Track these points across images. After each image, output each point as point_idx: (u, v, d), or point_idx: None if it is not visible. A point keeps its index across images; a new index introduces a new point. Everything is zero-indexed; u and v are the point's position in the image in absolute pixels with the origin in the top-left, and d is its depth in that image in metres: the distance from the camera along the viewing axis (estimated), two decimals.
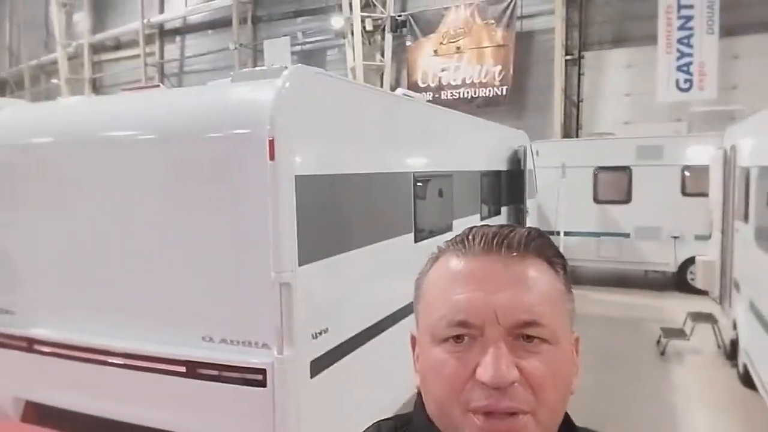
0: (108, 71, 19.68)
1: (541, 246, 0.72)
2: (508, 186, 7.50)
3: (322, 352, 3.20)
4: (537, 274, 0.69)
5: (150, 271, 3.31)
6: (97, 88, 19.61)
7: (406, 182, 4.38)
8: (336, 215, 3.47)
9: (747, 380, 5.24)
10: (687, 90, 12.40)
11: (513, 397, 0.64)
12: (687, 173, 9.23)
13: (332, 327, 3.30)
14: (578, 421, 0.76)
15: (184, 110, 3.34)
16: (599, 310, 8.05)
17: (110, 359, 3.30)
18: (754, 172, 5.15)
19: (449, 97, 14.96)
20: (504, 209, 7.37)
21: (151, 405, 3.23)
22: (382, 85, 15.04)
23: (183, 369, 3.12)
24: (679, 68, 12.47)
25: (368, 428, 0.80)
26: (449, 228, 5.26)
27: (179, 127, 3.22)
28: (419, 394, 0.75)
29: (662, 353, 6.48)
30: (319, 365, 3.16)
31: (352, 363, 3.47)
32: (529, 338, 0.66)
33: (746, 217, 5.46)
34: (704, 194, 7.96)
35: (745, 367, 5.33)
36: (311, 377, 3.09)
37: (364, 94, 4.03)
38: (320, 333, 3.19)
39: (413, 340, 0.77)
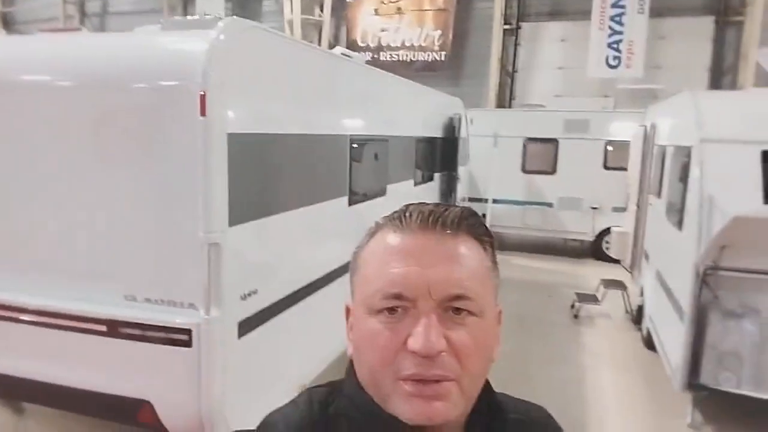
0: (21, 5, 18.03)
1: (473, 225, 0.75)
2: (442, 153, 7.60)
3: (251, 313, 3.19)
4: (468, 251, 0.73)
5: (69, 225, 3.15)
6: (8, 23, 17.98)
7: (341, 145, 4.36)
8: (269, 176, 3.41)
9: (649, 343, 5.70)
10: (616, 67, 12.90)
11: (440, 365, 0.68)
12: (610, 148, 9.68)
13: (262, 288, 3.29)
14: (495, 382, 0.81)
15: (109, 57, 3.14)
16: (521, 275, 8.44)
17: (25, 317, 3.15)
18: (669, 150, 5.48)
19: (388, 59, 14.83)
20: (437, 176, 7.49)
21: (71, 364, 3.13)
22: (320, 42, 14.68)
23: (104, 328, 3.03)
24: (609, 45, 12.91)
25: (300, 395, 0.82)
26: (383, 192, 5.31)
27: (103, 75, 3.03)
28: (351, 362, 0.78)
29: (575, 317, 6.92)
30: (247, 326, 3.15)
31: (281, 324, 3.49)
32: (457, 311, 0.70)
33: (659, 193, 5.85)
34: (624, 168, 8.41)
35: (648, 330, 5.79)
36: (239, 338, 3.09)
37: (301, 52, 3.92)
38: (249, 294, 3.17)
39: (347, 310, 0.80)
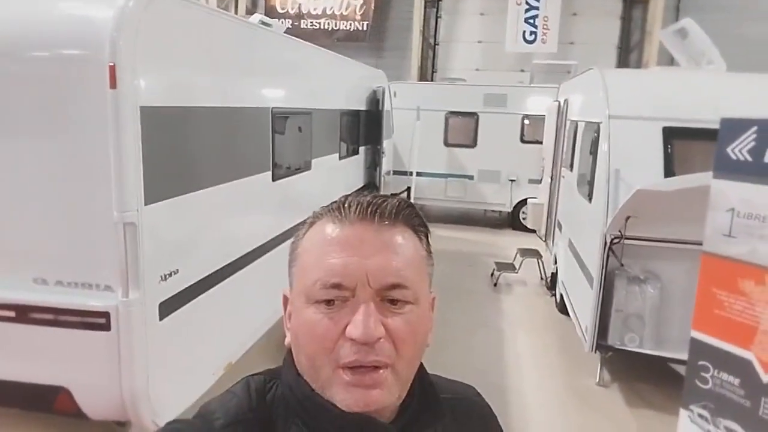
0: None
1: (409, 215, 0.77)
2: (366, 126, 7.59)
3: (172, 294, 3.10)
4: (404, 241, 0.75)
5: None
6: None
7: (263, 118, 4.25)
8: (187, 151, 3.28)
9: (562, 307, 6.07)
10: (532, 42, 13.33)
11: (378, 352, 0.70)
12: (526, 122, 10.04)
13: (183, 268, 3.19)
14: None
15: (3, 21, 2.86)
16: (444, 246, 8.68)
17: None
18: (580, 126, 5.77)
19: (309, 27, 14.52)
20: (362, 149, 7.49)
21: None
22: (237, 8, 14.10)
23: (12, 314, 2.85)
24: (526, 20, 13.29)
25: (238, 383, 0.81)
26: (308, 166, 5.25)
27: None
28: (289, 350, 0.78)
29: (495, 285, 7.23)
30: (168, 307, 3.06)
31: (205, 304, 3.41)
32: (394, 301, 0.72)
33: (571, 166, 6.16)
34: (539, 142, 8.77)
35: (561, 296, 6.16)
36: (160, 319, 3.00)
37: (217, 20, 3.75)
38: (170, 274, 3.07)
39: (285, 299, 0.80)
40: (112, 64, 2.61)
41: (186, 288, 3.23)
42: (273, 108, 4.37)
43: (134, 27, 2.73)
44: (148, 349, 2.89)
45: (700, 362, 3.29)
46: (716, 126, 3.19)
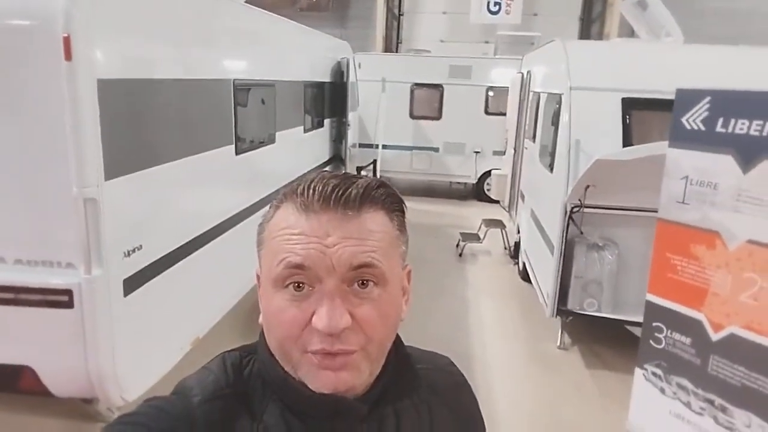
0: None
1: (379, 196, 0.76)
2: (331, 98, 7.52)
3: (136, 270, 3.07)
4: (372, 225, 0.73)
5: None
6: None
7: (225, 90, 4.17)
8: (147, 125, 3.21)
9: (525, 275, 6.24)
10: (496, 13, 13.31)
11: (345, 341, 0.70)
12: (491, 94, 10.10)
13: (147, 243, 3.15)
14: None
15: None
16: (410, 218, 8.58)
17: None
18: (542, 97, 5.85)
19: None
20: (327, 122, 7.42)
21: None
22: None
23: None
24: None
25: (214, 359, 0.82)
26: (272, 140, 5.19)
27: None
28: (263, 328, 0.78)
29: (460, 255, 7.36)
30: (133, 283, 3.03)
31: (171, 279, 3.39)
32: (362, 284, 0.72)
33: (534, 137, 6.26)
34: (503, 114, 8.85)
35: (523, 264, 6.32)
36: (125, 296, 2.97)
37: None
38: (133, 250, 3.04)
39: (258, 278, 0.79)
40: (66, 35, 2.53)
41: (150, 264, 3.20)
42: (235, 80, 4.29)
43: None
44: (113, 326, 2.88)
45: (655, 324, 3.45)
46: (672, 97, 3.29)
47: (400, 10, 14.38)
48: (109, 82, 2.78)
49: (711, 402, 3.17)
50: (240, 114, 4.37)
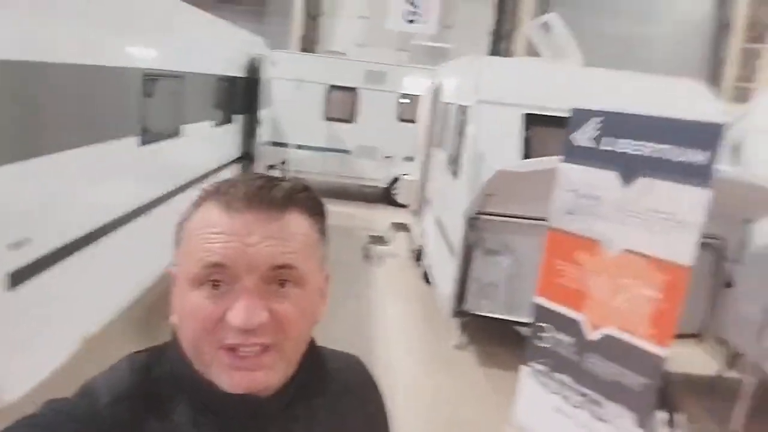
0: None
1: (302, 199, 0.77)
2: (243, 94, 7.38)
3: (23, 263, 2.87)
4: (294, 227, 0.75)
5: None
6: None
7: (131, 79, 4.00)
8: (39, 110, 3.01)
9: (428, 278, 6.45)
10: (413, 22, 13.62)
11: (260, 335, 0.70)
12: (404, 101, 10.33)
13: (36, 236, 2.96)
14: None
15: None
16: None
17: None
18: (452, 108, 6.10)
19: None
20: (238, 118, 7.28)
21: None
22: None
23: None
24: (408, 0, 13.55)
25: (121, 360, 0.80)
26: (179, 133, 5.03)
27: None
28: (175, 328, 0.77)
29: (367, 257, 7.48)
30: (19, 277, 2.84)
31: (60, 274, 3.20)
32: (281, 284, 0.72)
33: (442, 146, 6.50)
34: (414, 121, 9.09)
35: (427, 267, 6.54)
36: (9, 290, 2.77)
37: None
38: (20, 243, 2.84)
39: (172, 278, 0.79)
40: None
41: (39, 257, 3.00)
42: (142, 69, 4.13)
43: None
44: None
45: (541, 324, 3.71)
46: (568, 115, 3.57)
47: (318, 11, 14.36)
48: None
49: (587, 396, 3.47)
50: (146, 104, 4.20)
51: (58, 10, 3.21)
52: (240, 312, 0.69)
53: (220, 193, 0.74)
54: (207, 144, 6.13)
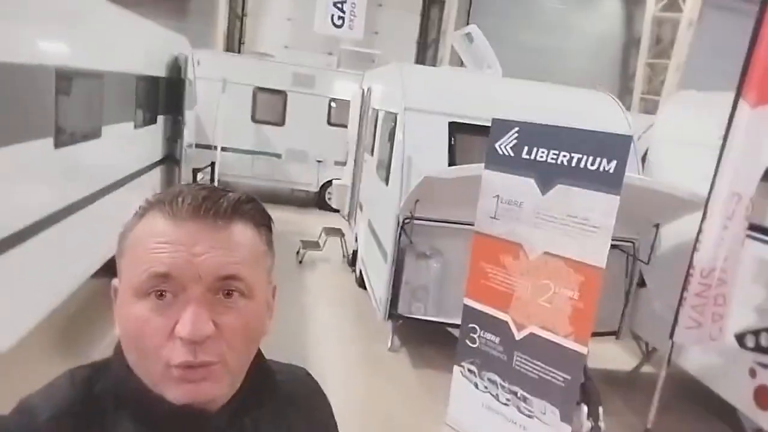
0: None
1: (248, 211, 0.77)
2: (166, 94, 7.12)
3: None
4: (241, 238, 0.74)
5: None
6: None
7: (44, 77, 3.78)
8: None
9: (361, 282, 6.50)
10: (340, 26, 13.63)
11: (209, 351, 0.70)
12: (333, 105, 10.34)
13: None
14: None
15: None
16: None
17: None
18: (380, 114, 6.19)
19: None
20: (161, 118, 7.02)
21: None
22: None
23: None
24: (335, 4, 13.54)
25: (60, 377, 0.78)
26: (98, 134, 4.80)
27: None
28: (119, 341, 0.76)
29: (300, 262, 7.44)
30: None
31: None
32: (228, 294, 0.72)
33: (372, 151, 6.58)
34: (345, 125, 9.12)
35: (360, 272, 6.58)
36: None
37: None
38: None
39: (114, 289, 0.77)
40: None
41: None
42: (56, 66, 3.91)
43: None
44: None
45: (470, 325, 3.85)
46: (489, 124, 3.73)
47: (243, 11, 14.09)
48: None
49: (515, 393, 3.64)
50: (61, 104, 3.99)
51: None
52: (187, 323, 0.68)
53: (165, 203, 0.73)
54: (128, 146, 5.88)
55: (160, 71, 6.93)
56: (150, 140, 6.70)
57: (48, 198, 3.97)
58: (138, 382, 0.73)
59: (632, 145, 3.68)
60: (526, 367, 3.56)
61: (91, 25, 4.90)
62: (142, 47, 6.46)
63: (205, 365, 0.70)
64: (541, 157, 3.41)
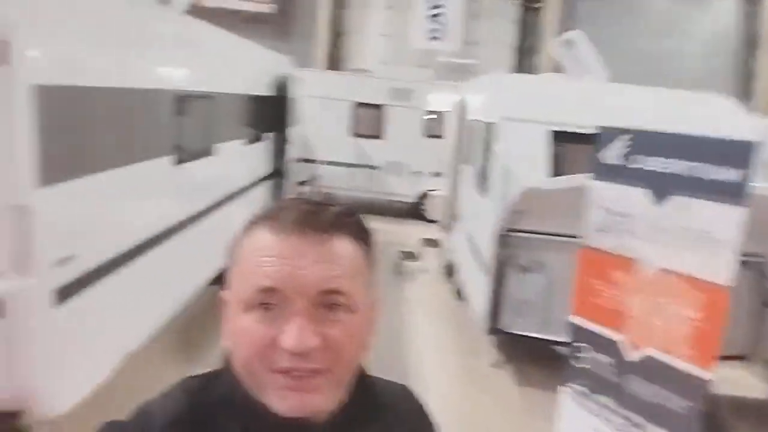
0: None
1: (349, 224, 0.78)
2: (272, 112, 7.51)
3: (69, 280, 2.97)
4: (342, 251, 0.75)
5: None
6: None
7: (165, 101, 4.12)
8: (84, 133, 3.14)
9: (460, 294, 6.41)
10: (436, 39, 13.70)
11: (313, 359, 0.71)
12: (430, 117, 10.39)
13: (80, 253, 3.06)
14: None
15: None
16: None
17: None
18: (478, 124, 6.11)
19: (213, 5, 13.96)
20: (267, 135, 7.40)
21: None
22: None
23: None
24: (431, 17, 13.63)
25: (174, 386, 0.82)
26: (212, 152, 5.14)
27: None
28: (227, 353, 0.79)
29: (398, 273, 7.49)
30: (64, 293, 2.93)
31: (103, 290, 3.29)
32: (330, 308, 0.73)
33: (469, 162, 6.50)
34: (442, 137, 9.11)
35: (459, 283, 6.51)
36: (55, 306, 2.86)
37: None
38: (66, 260, 2.94)
39: (224, 302, 0.80)
40: (4, 39, 2.45)
41: (83, 274, 3.10)
42: (175, 90, 4.25)
43: (28, 1, 2.58)
44: (43, 337, 2.77)
45: (579, 344, 3.66)
46: (595, 132, 3.55)
47: (342, 30, 14.56)
48: (45, 89, 2.71)
49: (629, 419, 3.40)
50: (180, 124, 4.31)
51: (99, 37, 3.33)
52: (292, 335, 0.70)
53: (270, 218, 0.76)
54: (239, 162, 6.24)
55: (267, 91, 7.32)
56: (258, 156, 7.07)
57: (169, 212, 4.30)
58: (245, 392, 0.75)
59: (760, 151, 3.35)
60: (642, 391, 3.31)
61: (204, 51, 5.28)
62: (250, 69, 6.86)
63: (310, 375, 0.72)
64: (653, 166, 3.19)
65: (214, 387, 0.80)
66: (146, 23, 4.00)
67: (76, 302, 3.03)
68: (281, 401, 0.72)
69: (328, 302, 0.73)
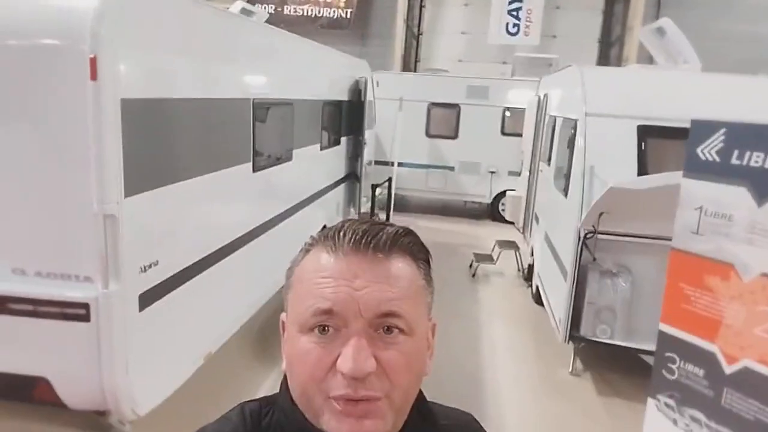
0: None
1: (407, 244, 0.77)
2: (348, 116, 7.59)
3: (152, 285, 3.12)
4: (400, 272, 0.74)
5: None
6: None
7: (244, 109, 4.26)
8: (167, 143, 3.29)
9: (538, 298, 6.19)
10: (515, 34, 13.37)
11: (370, 386, 0.69)
12: (507, 114, 10.13)
13: (163, 259, 3.21)
14: None
15: None
16: (424, 237, 8.37)
17: None
18: (558, 121, 5.86)
19: (292, 13, 14.39)
20: (344, 140, 7.50)
21: None
22: None
23: None
24: (509, 12, 13.32)
25: (233, 409, 0.82)
26: (289, 157, 5.26)
27: None
28: (285, 376, 0.78)
29: (473, 275, 7.34)
30: (148, 298, 3.09)
31: (185, 295, 3.44)
32: (388, 330, 0.71)
33: (549, 160, 6.26)
34: (519, 135, 8.85)
35: (537, 287, 6.28)
36: (140, 311, 3.02)
37: (199, 11, 3.74)
38: (150, 266, 3.10)
39: (283, 324, 0.80)
40: (93, 55, 2.61)
41: (166, 279, 3.25)
42: (254, 99, 4.38)
43: (115, 17, 2.73)
44: (128, 340, 2.92)
45: (667, 354, 3.41)
46: (688, 126, 3.28)
47: (419, 30, 14.53)
48: (132, 102, 2.86)
49: None
50: (258, 132, 4.45)
51: (184, 50, 3.49)
52: (349, 358, 0.69)
53: (328, 238, 0.75)
54: (315, 166, 6.36)
55: (343, 95, 7.42)
56: (334, 160, 7.18)
57: (248, 217, 4.44)
58: (302, 418, 0.75)
59: None
60: (739, 406, 3.03)
61: (283, 59, 5.41)
62: (327, 74, 6.98)
63: (366, 400, 0.70)
64: (757, 162, 2.90)
65: (270, 412, 0.80)
66: (228, 34, 4.15)
67: (159, 306, 3.18)
68: (337, 426, 0.71)
69: (384, 324, 0.71)
